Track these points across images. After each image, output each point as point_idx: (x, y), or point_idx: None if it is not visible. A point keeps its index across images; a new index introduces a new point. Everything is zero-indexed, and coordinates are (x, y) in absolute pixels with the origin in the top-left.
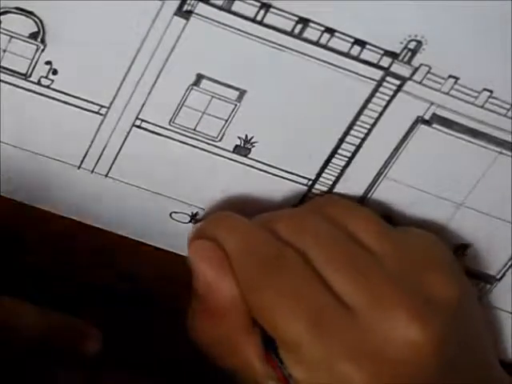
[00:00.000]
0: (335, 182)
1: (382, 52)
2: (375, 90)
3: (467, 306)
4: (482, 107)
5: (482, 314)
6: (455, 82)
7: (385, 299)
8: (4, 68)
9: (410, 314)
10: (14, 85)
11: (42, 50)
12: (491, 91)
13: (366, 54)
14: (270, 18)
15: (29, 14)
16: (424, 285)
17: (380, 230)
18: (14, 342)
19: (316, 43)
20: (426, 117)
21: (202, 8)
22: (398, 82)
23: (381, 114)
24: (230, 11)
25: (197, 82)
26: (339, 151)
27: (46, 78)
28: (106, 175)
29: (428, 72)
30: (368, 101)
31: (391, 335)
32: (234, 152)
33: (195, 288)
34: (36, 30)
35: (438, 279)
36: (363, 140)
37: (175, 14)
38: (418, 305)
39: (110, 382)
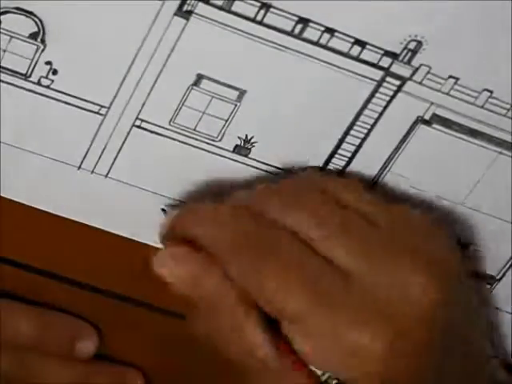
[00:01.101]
0: None
1: (382, 52)
2: (375, 90)
3: (465, 283)
4: (482, 107)
5: (479, 309)
6: (455, 83)
7: (382, 259)
8: (4, 68)
9: (414, 269)
10: (14, 85)
11: (42, 50)
12: (491, 91)
13: (366, 54)
14: (270, 18)
15: (29, 14)
16: (426, 247)
17: (374, 198)
18: (11, 342)
19: (316, 43)
20: (426, 117)
21: (202, 8)
22: (398, 83)
23: (381, 114)
24: (230, 11)
25: (197, 82)
26: (339, 151)
27: (46, 78)
28: (106, 175)
29: (428, 72)
30: (368, 101)
31: (394, 292)
32: (234, 152)
33: (177, 290)
34: (36, 30)
35: (440, 245)
36: (363, 140)
37: (175, 14)
38: (420, 261)
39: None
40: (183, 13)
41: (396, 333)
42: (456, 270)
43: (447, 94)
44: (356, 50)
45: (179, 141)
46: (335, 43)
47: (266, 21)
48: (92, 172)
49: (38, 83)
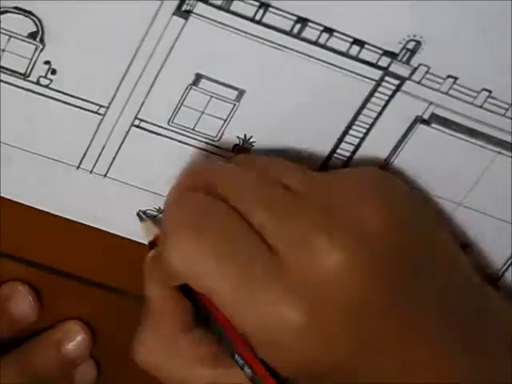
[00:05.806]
0: None
1: (380, 52)
2: (374, 90)
3: (410, 229)
4: (480, 107)
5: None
6: (454, 82)
7: (304, 232)
8: (3, 68)
9: (330, 242)
10: (13, 84)
11: (41, 50)
12: (490, 91)
13: (365, 54)
14: (269, 18)
15: (28, 13)
16: (350, 217)
17: (304, 174)
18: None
19: (315, 43)
20: (425, 116)
21: (200, 8)
22: (396, 82)
23: (380, 113)
24: (228, 11)
25: (196, 82)
26: (338, 151)
27: (45, 77)
28: (105, 175)
29: (427, 72)
30: (367, 100)
31: (314, 266)
32: (232, 152)
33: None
34: (35, 29)
35: (365, 210)
36: (362, 140)
37: (174, 13)
38: (339, 234)
39: None
40: (182, 12)
41: (319, 302)
42: (384, 228)
43: (446, 93)
44: (355, 49)
45: (178, 140)
46: (334, 43)
47: (264, 20)
48: (91, 172)
49: (37, 83)
